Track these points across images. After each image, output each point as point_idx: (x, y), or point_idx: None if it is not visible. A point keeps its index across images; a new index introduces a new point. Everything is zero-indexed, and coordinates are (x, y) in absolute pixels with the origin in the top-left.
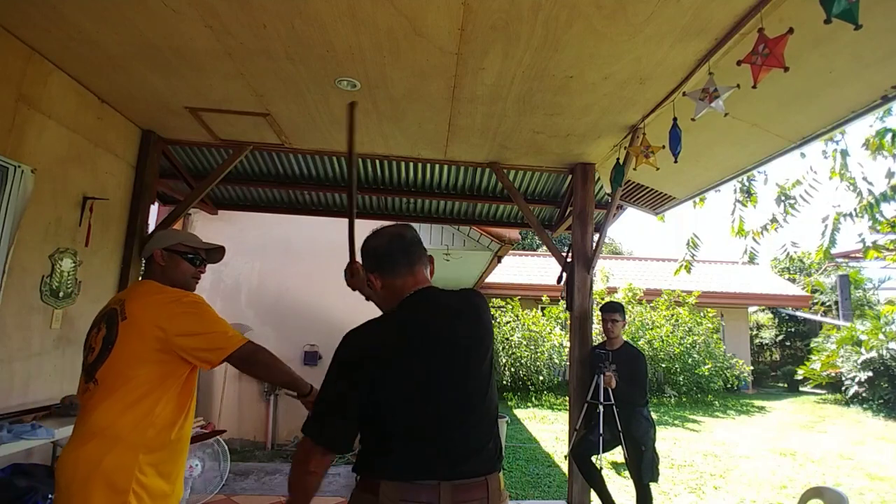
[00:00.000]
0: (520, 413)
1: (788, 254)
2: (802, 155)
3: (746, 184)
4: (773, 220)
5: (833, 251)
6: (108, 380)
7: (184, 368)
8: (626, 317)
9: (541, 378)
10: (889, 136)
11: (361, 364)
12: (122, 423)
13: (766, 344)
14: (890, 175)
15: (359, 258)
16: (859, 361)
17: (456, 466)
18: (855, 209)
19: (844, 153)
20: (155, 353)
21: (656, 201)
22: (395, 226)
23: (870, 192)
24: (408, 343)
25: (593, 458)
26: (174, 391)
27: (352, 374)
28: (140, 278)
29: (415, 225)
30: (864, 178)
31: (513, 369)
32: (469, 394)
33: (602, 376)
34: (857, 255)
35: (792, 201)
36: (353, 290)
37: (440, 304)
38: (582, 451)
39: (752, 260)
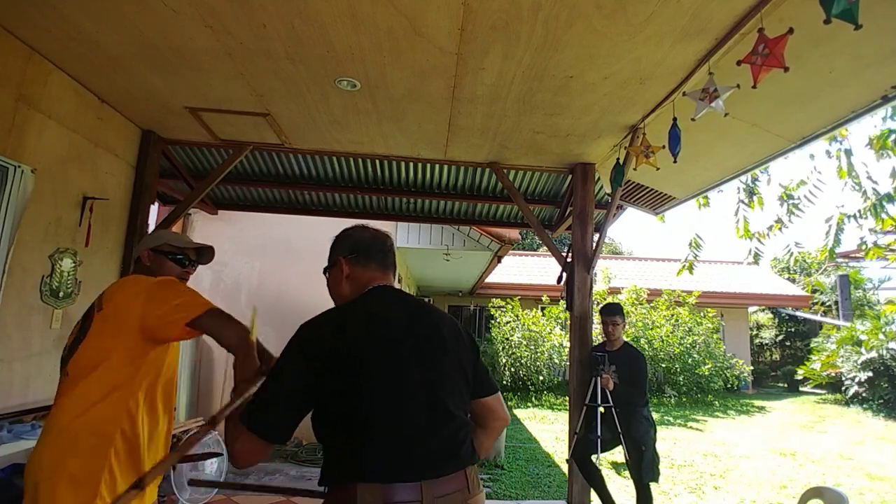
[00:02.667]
0: (520, 413)
1: (792, 253)
2: (812, 156)
3: (750, 185)
4: (779, 220)
5: (843, 251)
6: (77, 370)
7: (155, 363)
8: (630, 318)
9: (541, 378)
10: (893, 137)
11: (327, 354)
12: (91, 415)
13: (766, 344)
14: (895, 175)
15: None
16: (859, 361)
17: (436, 465)
18: (860, 210)
19: (849, 152)
20: (127, 341)
21: (656, 201)
22: (382, 230)
23: (874, 191)
24: (376, 334)
25: (593, 458)
26: (144, 388)
27: (314, 364)
28: None
29: (415, 225)
30: (869, 178)
31: (513, 369)
32: (442, 388)
33: (599, 378)
34: (858, 255)
35: (796, 202)
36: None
37: (404, 299)
38: (582, 451)
39: (756, 261)
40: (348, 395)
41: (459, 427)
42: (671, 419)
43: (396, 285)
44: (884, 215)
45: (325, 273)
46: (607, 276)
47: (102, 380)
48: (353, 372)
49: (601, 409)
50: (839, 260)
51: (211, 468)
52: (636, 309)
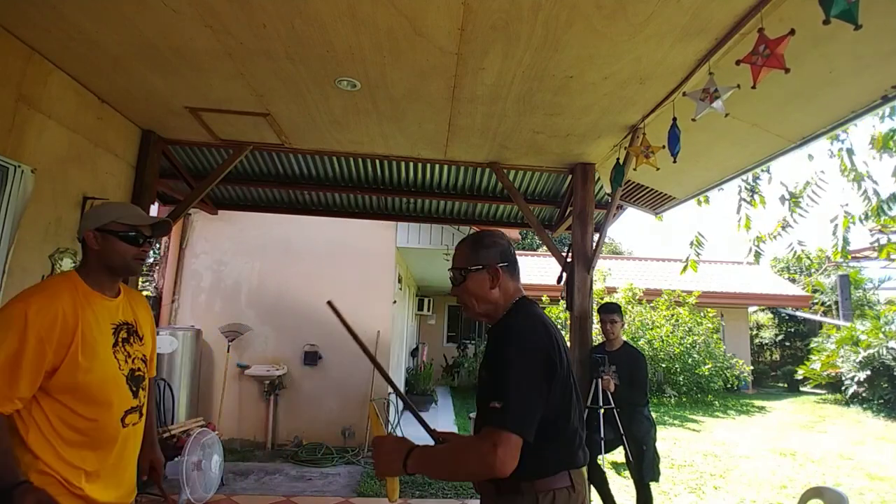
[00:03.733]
0: None
1: (795, 253)
2: (810, 157)
3: (752, 183)
4: (783, 220)
5: (851, 249)
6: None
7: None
8: (626, 316)
9: None
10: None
11: (553, 357)
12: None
13: (766, 344)
14: None
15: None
16: (859, 361)
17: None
18: (866, 212)
19: (850, 152)
20: None
21: (656, 201)
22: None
23: (875, 192)
24: (556, 341)
25: (598, 460)
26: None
27: (550, 367)
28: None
29: (415, 225)
30: (870, 177)
31: None
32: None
33: (600, 380)
34: (858, 255)
35: (798, 201)
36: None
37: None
38: None
39: (756, 260)
40: (564, 397)
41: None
42: (671, 419)
43: (398, 287)
44: (884, 217)
45: (461, 274)
46: (603, 274)
47: None
48: (563, 375)
49: (602, 412)
50: (839, 260)
51: (214, 469)
52: (632, 308)
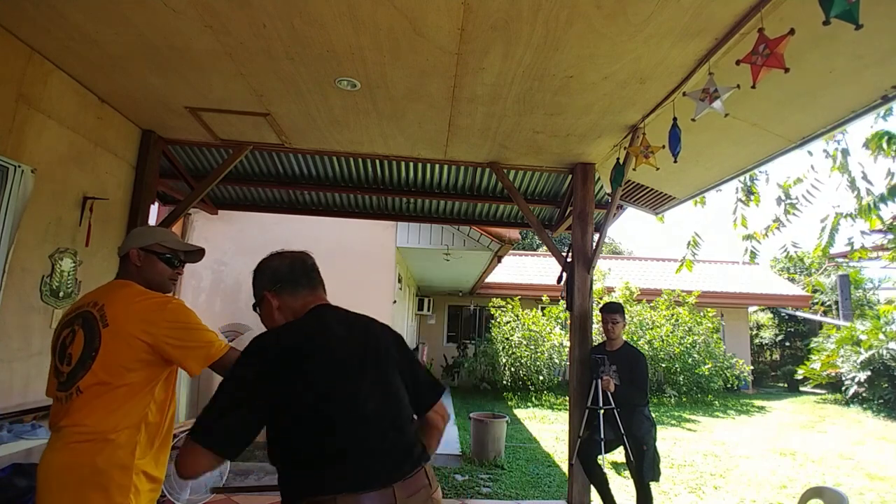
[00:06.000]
0: (520, 413)
1: (788, 253)
2: (809, 153)
3: (748, 183)
4: (777, 220)
5: (834, 251)
6: (93, 388)
7: (167, 369)
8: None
9: (541, 378)
10: (888, 139)
11: (284, 366)
12: (112, 426)
13: (766, 344)
14: (889, 175)
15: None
16: (859, 361)
17: (401, 467)
18: (855, 209)
19: (845, 152)
20: (142, 359)
21: (656, 201)
22: (297, 251)
23: (868, 192)
24: (325, 348)
25: (598, 459)
26: (158, 392)
27: (253, 387)
28: (115, 277)
29: (415, 225)
30: (864, 178)
31: (513, 369)
32: (391, 395)
33: (600, 381)
34: (857, 255)
35: (793, 201)
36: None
37: (346, 315)
38: (586, 452)
39: (753, 259)
40: (312, 413)
41: (411, 430)
42: (671, 419)
43: (398, 287)
44: (874, 216)
45: (255, 310)
46: (602, 273)
47: (125, 391)
48: (310, 391)
49: (603, 412)
50: (839, 260)
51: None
52: (629, 307)
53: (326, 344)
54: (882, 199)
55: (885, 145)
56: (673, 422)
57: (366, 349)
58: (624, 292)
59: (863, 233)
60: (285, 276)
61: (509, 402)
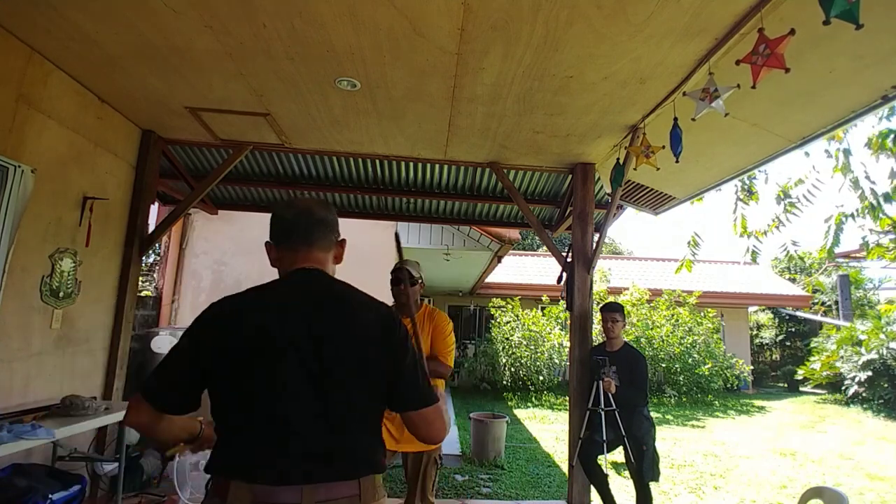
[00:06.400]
0: (520, 413)
1: (789, 253)
2: (807, 154)
3: (748, 182)
4: (776, 219)
5: (839, 251)
6: None
7: None
8: (630, 318)
9: (541, 378)
10: (892, 137)
11: (209, 329)
12: None
13: (766, 344)
14: (893, 175)
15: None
16: (859, 361)
17: (322, 470)
18: (857, 209)
19: (847, 152)
20: None
21: (656, 201)
22: (310, 200)
23: (872, 191)
24: (254, 326)
25: (598, 459)
26: None
27: (194, 347)
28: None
29: (415, 225)
30: (867, 177)
31: (513, 369)
32: (336, 393)
33: (601, 382)
34: (858, 255)
35: (793, 201)
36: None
37: (313, 290)
38: (587, 453)
39: (754, 259)
40: (232, 390)
41: (355, 433)
42: (671, 419)
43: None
44: (882, 215)
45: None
46: (605, 275)
47: None
48: (226, 367)
49: (603, 413)
50: (839, 260)
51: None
52: (636, 309)
53: (261, 321)
54: (886, 198)
55: (890, 144)
56: (673, 422)
57: (312, 331)
58: (633, 295)
59: (872, 231)
60: (283, 227)
61: (509, 403)
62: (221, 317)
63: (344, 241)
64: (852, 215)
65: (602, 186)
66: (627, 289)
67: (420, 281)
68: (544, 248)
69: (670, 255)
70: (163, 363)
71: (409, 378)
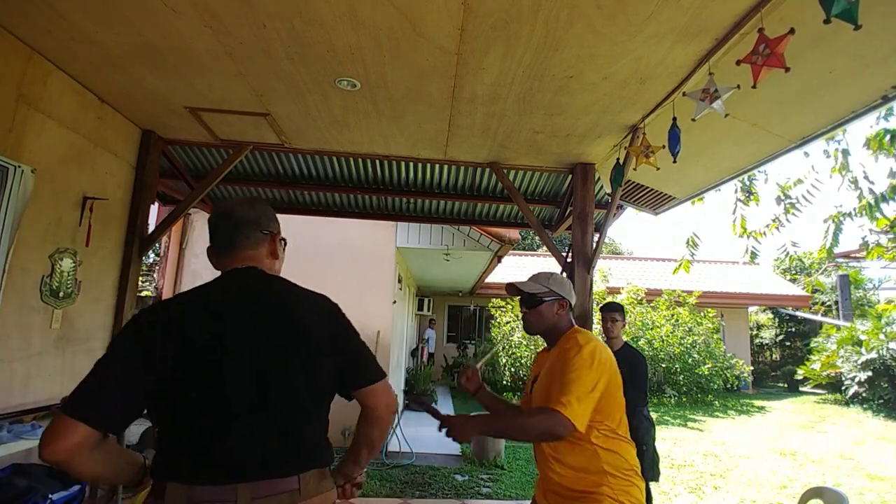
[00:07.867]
0: None
1: (788, 253)
2: (806, 154)
3: (747, 183)
4: (776, 219)
5: (840, 250)
6: None
7: None
8: (629, 317)
9: None
10: (889, 137)
11: (144, 333)
12: None
13: (766, 344)
14: (892, 174)
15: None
16: (859, 361)
17: (260, 466)
18: (855, 209)
19: (846, 152)
20: None
21: (656, 201)
22: (235, 200)
23: (871, 191)
24: (189, 326)
25: None
26: None
27: (129, 351)
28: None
29: (415, 225)
30: (866, 177)
31: (513, 369)
32: (276, 385)
33: None
34: (858, 255)
35: (793, 201)
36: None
37: (248, 286)
38: None
39: (753, 259)
40: (171, 394)
41: (296, 426)
42: (671, 419)
43: (398, 287)
44: (878, 215)
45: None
46: (604, 275)
47: None
48: (165, 370)
49: None
50: (839, 260)
51: None
52: (634, 308)
53: (199, 322)
54: (884, 198)
55: (886, 144)
56: (673, 422)
57: (250, 327)
58: (630, 295)
59: (872, 231)
60: (210, 231)
61: None
62: (157, 321)
63: (275, 234)
64: (849, 214)
65: (602, 186)
66: (623, 287)
67: (550, 298)
68: (544, 248)
69: (670, 255)
70: (92, 376)
71: (356, 358)
